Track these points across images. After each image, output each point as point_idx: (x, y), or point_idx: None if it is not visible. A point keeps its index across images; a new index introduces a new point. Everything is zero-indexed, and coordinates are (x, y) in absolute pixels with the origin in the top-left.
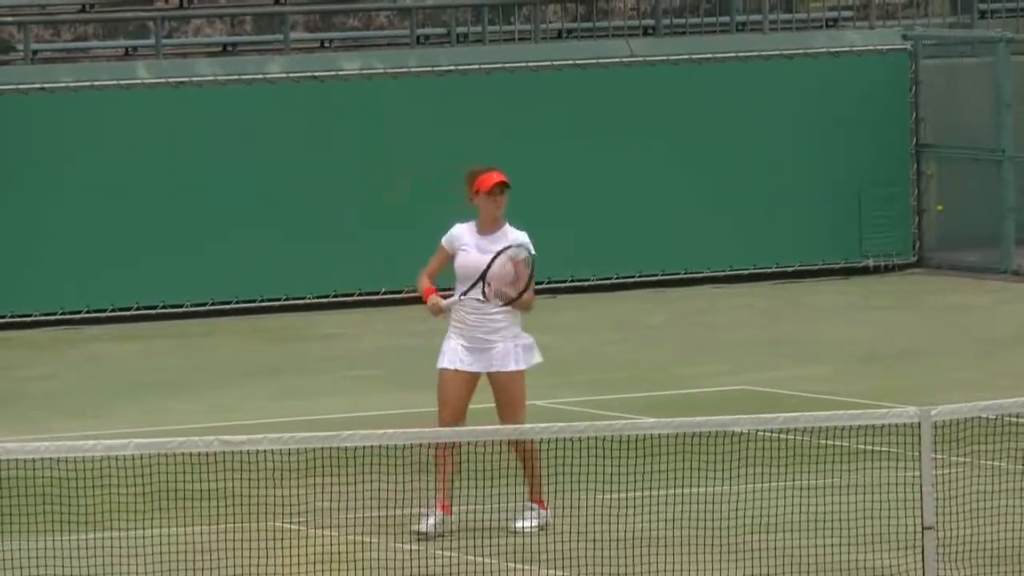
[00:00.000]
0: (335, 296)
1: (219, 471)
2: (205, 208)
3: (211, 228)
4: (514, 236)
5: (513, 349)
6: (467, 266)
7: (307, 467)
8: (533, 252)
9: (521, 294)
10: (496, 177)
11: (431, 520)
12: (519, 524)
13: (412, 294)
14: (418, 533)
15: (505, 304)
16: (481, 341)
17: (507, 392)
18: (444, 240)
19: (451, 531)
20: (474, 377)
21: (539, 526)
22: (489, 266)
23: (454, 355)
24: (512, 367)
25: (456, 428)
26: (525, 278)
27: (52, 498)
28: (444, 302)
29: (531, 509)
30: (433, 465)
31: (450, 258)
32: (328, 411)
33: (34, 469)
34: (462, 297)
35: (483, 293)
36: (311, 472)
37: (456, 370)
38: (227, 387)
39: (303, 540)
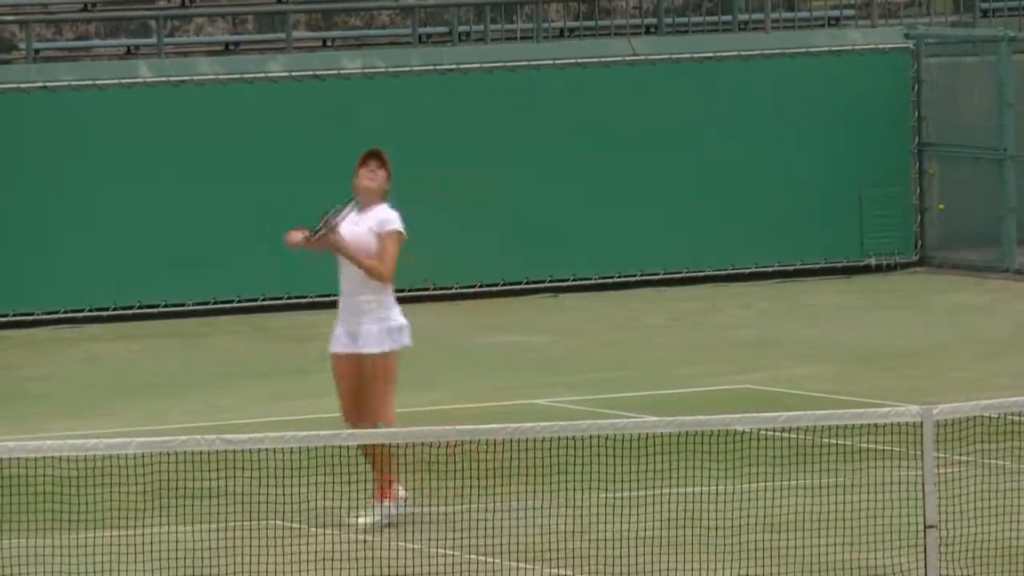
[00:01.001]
0: (337, 296)
1: (220, 470)
2: (206, 207)
3: (213, 227)
4: (383, 214)
5: (377, 332)
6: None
7: (308, 466)
8: (394, 227)
9: (373, 266)
10: (371, 152)
11: (374, 513)
12: (361, 520)
13: (436, 291)
14: (364, 526)
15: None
16: (352, 323)
17: (366, 373)
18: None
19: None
20: (354, 360)
21: (383, 520)
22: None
23: (335, 339)
24: (374, 349)
25: (453, 427)
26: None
27: (53, 497)
28: (292, 237)
29: (379, 503)
30: (365, 459)
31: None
32: (329, 410)
33: (35, 468)
34: (308, 236)
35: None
36: (312, 471)
37: (338, 353)
38: (228, 387)
39: (304, 539)
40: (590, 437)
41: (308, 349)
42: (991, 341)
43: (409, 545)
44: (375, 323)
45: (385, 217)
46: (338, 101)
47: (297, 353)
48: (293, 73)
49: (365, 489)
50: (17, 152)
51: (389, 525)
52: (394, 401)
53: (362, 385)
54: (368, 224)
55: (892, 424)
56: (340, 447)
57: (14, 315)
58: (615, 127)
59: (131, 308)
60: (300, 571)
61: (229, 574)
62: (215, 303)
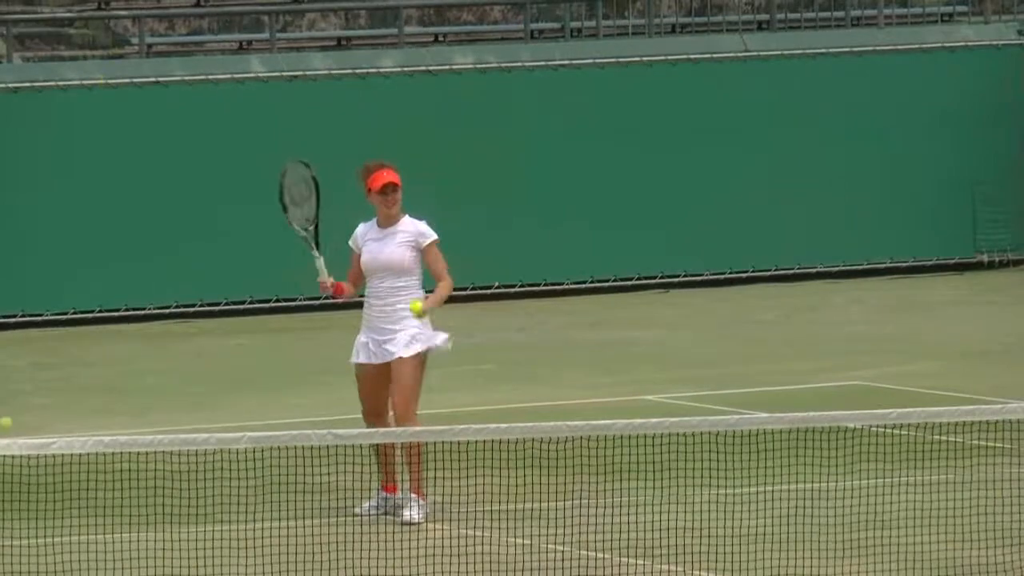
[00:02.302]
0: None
1: (332, 464)
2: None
3: (326, 221)
4: (414, 226)
5: (409, 337)
6: (367, 262)
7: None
8: (435, 237)
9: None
10: (386, 176)
11: (371, 503)
12: (407, 515)
13: (546, 286)
14: (357, 514)
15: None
16: (385, 331)
17: (398, 378)
18: (351, 242)
19: (562, 524)
20: (384, 368)
21: (424, 517)
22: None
23: (361, 348)
24: (405, 353)
25: (564, 424)
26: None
27: (165, 491)
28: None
29: (415, 500)
30: (376, 456)
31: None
32: (438, 405)
33: (147, 462)
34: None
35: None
36: (424, 466)
37: (364, 364)
38: (339, 382)
39: (415, 534)
40: (701, 433)
41: None
42: None
43: (520, 540)
44: (409, 329)
45: (421, 230)
46: (450, 96)
47: None
48: (405, 68)
49: (478, 483)
50: (131, 145)
51: (385, 514)
52: (417, 404)
53: (390, 388)
54: (399, 239)
55: (1003, 421)
56: (451, 442)
57: (126, 309)
58: (727, 123)
59: (243, 303)
60: (411, 566)
61: (340, 568)
62: (326, 298)
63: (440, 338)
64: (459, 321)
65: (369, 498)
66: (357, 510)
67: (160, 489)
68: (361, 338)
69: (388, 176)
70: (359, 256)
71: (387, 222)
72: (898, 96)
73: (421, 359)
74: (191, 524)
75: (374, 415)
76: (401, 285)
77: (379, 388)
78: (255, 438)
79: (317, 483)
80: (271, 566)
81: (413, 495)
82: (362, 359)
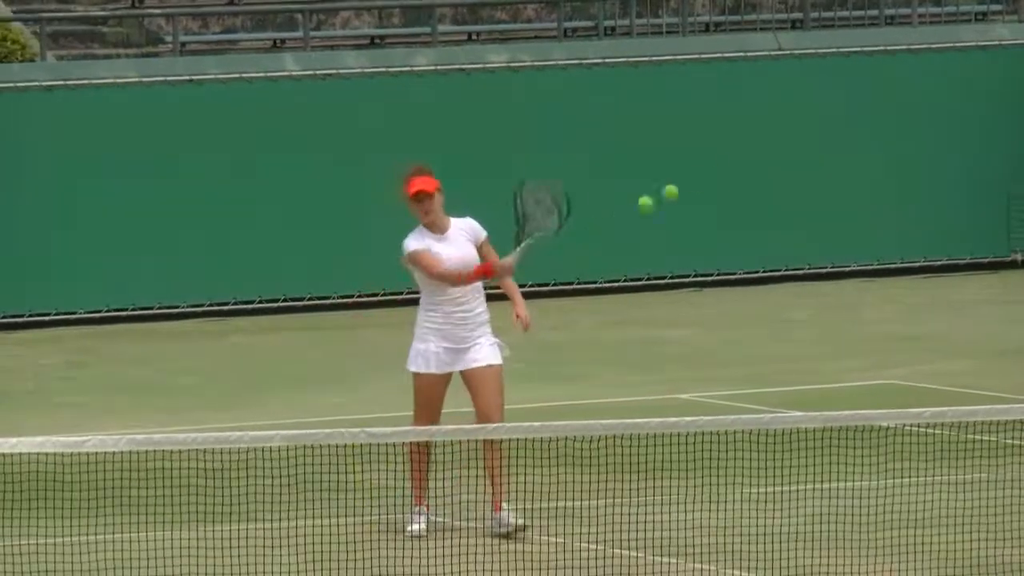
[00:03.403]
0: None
1: (366, 463)
2: (349, 200)
3: (360, 218)
4: (465, 224)
5: (491, 344)
6: (453, 260)
7: (453, 460)
8: (487, 232)
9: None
10: (418, 184)
11: (420, 520)
12: (506, 525)
13: (580, 285)
14: (411, 534)
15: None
16: (465, 339)
17: (491, 386)
18: (418, 250)
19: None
20: (450, 378)
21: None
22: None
23: (432, 357)
24: (496, 361)
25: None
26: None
27: (199, 489)
28: (507, 262)
29: (505, 512)
30: (411, 463)
31: None
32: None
33: (180, 460)
34: (522, 247)
35: (522, 244)
36: (456, 465)
37: (440, 374)
38: (373, 380)
39: (448, 533)
40: (734, 432)
41: None
42: None
43: (554, 539)
44: (488, 336)
45: (475, 226)
46: (483, 94)
47: None
48: (438, 67)
49: (513, 482)
50: (165, 144)
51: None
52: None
53: (479, 396)
54: (461, 240)
55: None
56: (482, 441)
57: (159, 307)
58: (760, 122)
59: (276, 301)
60: (444, 564)
61: (372, 567)
62: (360, 296)
63: (502, 349)
64: (498, 319)
65: (413, 515)
66: (409, 530)
67: (193, 487)
68: (430, 347)
69: (420, 183)
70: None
71: (436, 228)
72: (932, 95)
73: (502, 367)
74: (224, 522)
75: (430, 423)
76: (478, 285)
77: (442, 397)
78: (288, 436)
79: (350, 482)
80: (303, 564)
81: (495, 513)
82: (432, 368)
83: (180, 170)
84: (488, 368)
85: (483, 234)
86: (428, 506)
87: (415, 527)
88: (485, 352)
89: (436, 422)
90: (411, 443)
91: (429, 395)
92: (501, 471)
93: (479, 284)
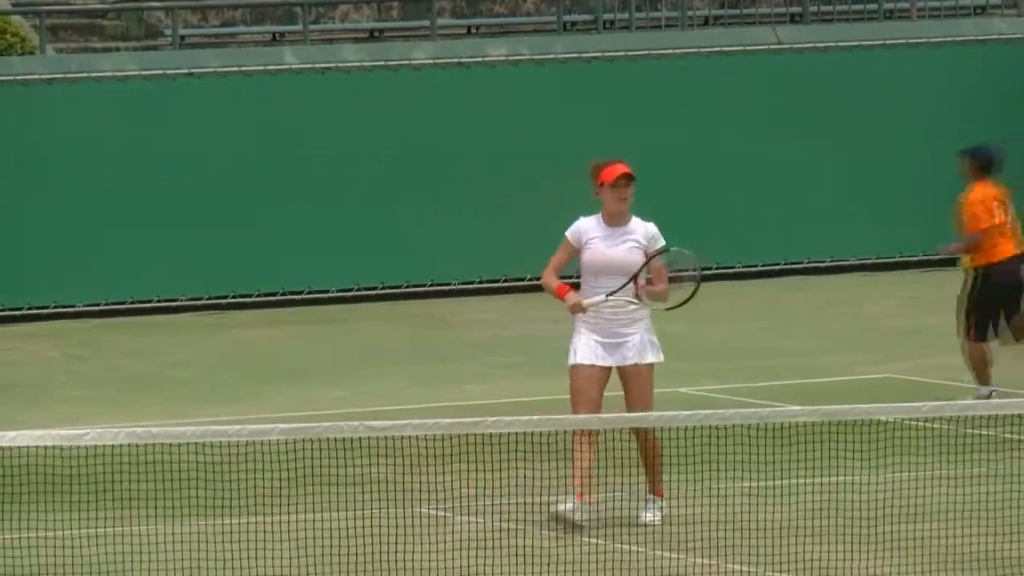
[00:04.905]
0: (480, 282)
1: (364, 456)
2: (352, 193)
3: (358, 212)
4: (643, 228)
5: (649, 341)
6: (596, 261)
7: (451, 453)
8: (664, 244)
9: (664, 290)
10: (620, 169)
11: (567, 505)
12: (647, 517)
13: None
14: (556, 514)
15: (655, 302)
16: (617, 335)
17: (640, 384)
18: (569, 234)
19: (593, 519)
20: (608, 372)
21: (663, 517)
22: (642, 268)
23: (589, 351)
24: (650, 359)
25: (596, 415)
26: (664, 273)
27: (198, 483)
28: (587, 301)
29: (653, 501)
30: (571, 452)
31: (576, 253)
32: (472, 397)
33: (179, 454)
34: (608, 297)
35: (635, 296)
36: (455, 458)
37: (592, 365)
38: (372, 373)
39: (448, 527)
40: (734, 426)
41: (451, 336)
42: None
43: (552, 532)
44: (644, 333)
45: (653, 233)
46: (483, 88)
47: (441, 340)
48: (437, 60)
49: (510, 476)
50: (164, 137)
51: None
52: None
53: (630, 394)
54: (630, 240)
55: None
56: (483, 435)
57: (158, 301)
58: (759, 116)
59: (275, 294)
60: (444, 558)
61: (373, 561)
62: (358, 289)
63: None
64: (494, 313)
65: (565, 501)
66: (558, 508)
67: (192, 480)
68: (587, 339)
69: (622, 168)
70: (573, 250)
71: (615, 220)
72: (930, 89)
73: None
74: (223, 516)
75: (588, 412)
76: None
77: (601, 390)
78: (286, 430)
79: (349, 475)
80: (302, 559)
81: (652, 496)
82: (590, 360)
83: (180, 163)
84: (639, 366)
85: (659, 243)
86: (582, 497)
87: (561, 508)
88: (636, 350)
89: (597, 412)
90: (575, 435)
91: (585, 386)
92: (655, 461)
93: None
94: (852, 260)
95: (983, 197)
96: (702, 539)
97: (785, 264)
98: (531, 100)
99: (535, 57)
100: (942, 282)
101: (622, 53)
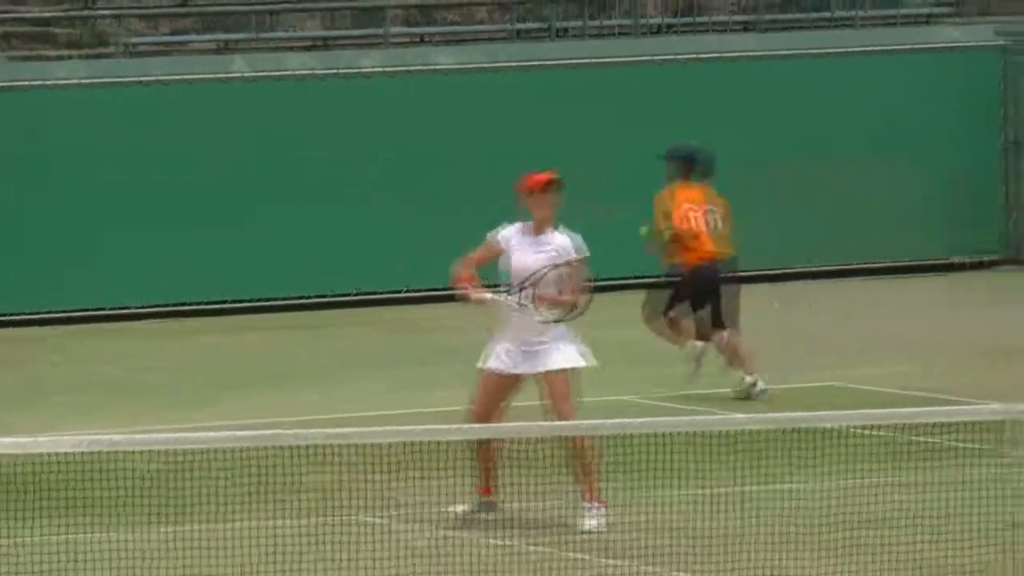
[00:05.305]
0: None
1: (320, 464)
2: (316, 200)
3: (323, 220)
4: (564, 240)
5: (559, 348)
6: (512, 267)
7: (399, 462)
8: (587, 253)
9: (574, 305)
10: (549, 175)
11: (464, 506)
12: (587, 524)
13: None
14: (453, 514)
15: (556, 319)
16: (528, 343)
17: (553, 391)
18: (490, 235)
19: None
20: (516, 379)
21: (606, 524)
22: (538, 276)
23: (497, 358)
24: (560, 365)
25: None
26: (578, 285)
27: (147, 491)
28: (477, 294)
29: (591, 508)
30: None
31: (493, 255)
32: (442, 403)
33: (132, 461)
34: (505, 297)
35: (531, 300)
36: (402, 466)
37: (498, 372)
38: (345, 379)
39: (391, 535)
40: (679, 433)
41: (423, 341)
42: None
43: (493, 541)
44: (556, 340)
45: (577, 244)
46: (434, 96)
47: (412, 345)
48: (388, 68)
49: (452, 484)
50: (115, 145)
51: (479, 516)
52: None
53: (550, 400)
54: (550, 250)
55: (980, 422)
56: (423, 443)
57: (124, 307)
58: (711, 122)
59: (241, 301)
60: (386, 567)
61: (318, 569)
62: (331, 296)
63: (588, 357)
64: (433, 321)
65: (464, 502)
66: (452, 509)
67: (148, 488)
68: (501, 346)
69: (549, 173)
70: (493, 252)
71: (541, 227)
72: (880, 96)
73: (569, 372)
74: (177, 523)
75: (484, 419)
76: (545, 284)
77: (502, 396)
78: (240, 437)
79: (304, 482)
80: (250, 566)
81: (588, 503)
82: (497, 367)
83: (130, 171)
84: (548, 373)
85: (579, 255)
86: (490, 492)
87: (459, 510)
88: (546, 357)
89: (490, 419)
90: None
91: (488, 392)
92: (588, 468)
93: (545, 284)
94: (795, 268)
95: (679, 200)
96: (647, 546)
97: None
98: (483, 108)
99: (487, 65)
100: (886, 290)
101: (574, 61)
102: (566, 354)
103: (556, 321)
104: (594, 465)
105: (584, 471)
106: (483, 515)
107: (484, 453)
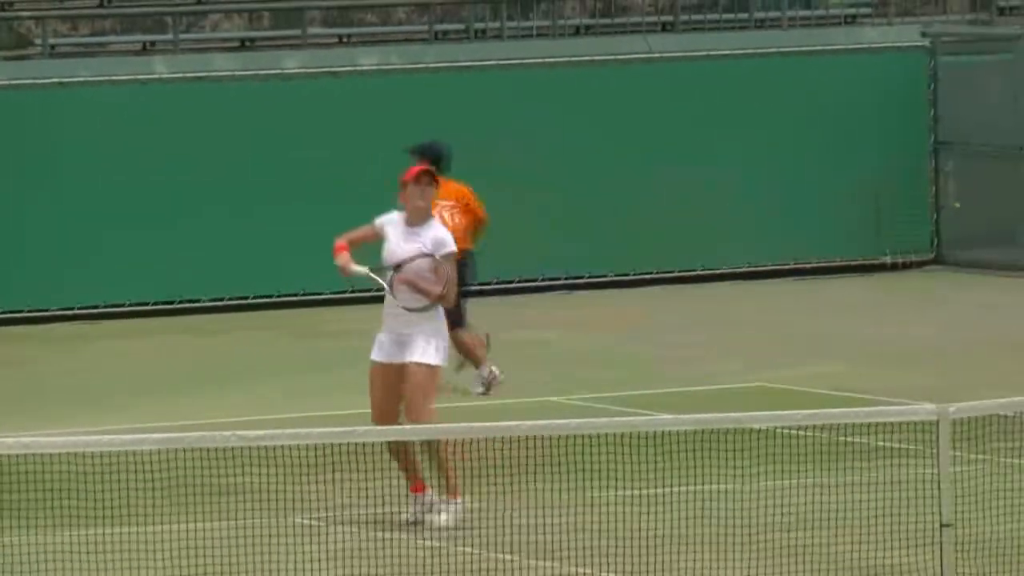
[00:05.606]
0: (352, 292)
1: (237, 467)
2: (222, 203)
3: (228, 223)
4: (435, 233)
5: (425, 342)
6: (386, 253)
7: (325, 463)
8: (453, 249)
9: (441, 295)
10: (421, 167)
11: (411, 509)
12: (440, 519)
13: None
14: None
15: (413, 307)
16: (399, 334)
17: (409, 383)
18: (376, 219)
19: (468, 526)
20: (398, 369)
21: (460, 519)
22: (404, 261)
23: (379, 347)
24: (418, 359)
25: (467, 425)
26: (445, 276)
27: (70, 493)
28: (351, 267)
29: (446, 502)
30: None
31: (372, 236)
32: (345, 407)
33: (51, 464)
34: (370, 275)
35: (389, 285)
36: (329, 468)
37: (379, 362)
38: (245, 383)
39: (322, 536)
40: (607, 435)
41: (324, 345)
42: (1007, 339)
43: (427, 543)
44: (425, 334)
45: (442, 238)
46: (354, 98)
47: (313, 349)
48: (308, 69)
49: (384, 486)
50: (34, 148)
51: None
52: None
53: (404, 393)
54: (421, 243)
55: (908, 422)
56: (356, 443)
57: (30, 310)
58: (630, 124)
59: (146, 304)
60: (318, 568)
61: (246, 571)
62: (229, 300)
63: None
64: (348, 324)
65: (406, 507)
66: (405, 516)
67: (63, 491)
68: (381, 334)
69: (421, 166)
70: (373, 233)
71: (415, 219)
72: (803, 97)
73: (435, 367)
74: (95, 526)
75: (383, 419)
76: (416, 279)
77: (389, 386)
78: (159, 440)
79: (221, 485)
80: (175, 568)
81: (444, 497)
82: (377, 356)
83: (50, 173)
84: (408, 364)
85: (443, 250)
86: (422, 488)
87: (410, 512)
88: (411, 348)
89: (388, 418)
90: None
91: (373, 384)
92: (444, 462)
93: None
94: (723, 269)
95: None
96: (577, 548)
97: (657, 273)
98: (403, 109)
99: (406, 66)
100: (814, 290)
101: (493, 62)
102: (425, 349)
103: (411, 310)
104: (450, 460)
105: (439, 466)
106: (429, 515)
107: (396, 454)
